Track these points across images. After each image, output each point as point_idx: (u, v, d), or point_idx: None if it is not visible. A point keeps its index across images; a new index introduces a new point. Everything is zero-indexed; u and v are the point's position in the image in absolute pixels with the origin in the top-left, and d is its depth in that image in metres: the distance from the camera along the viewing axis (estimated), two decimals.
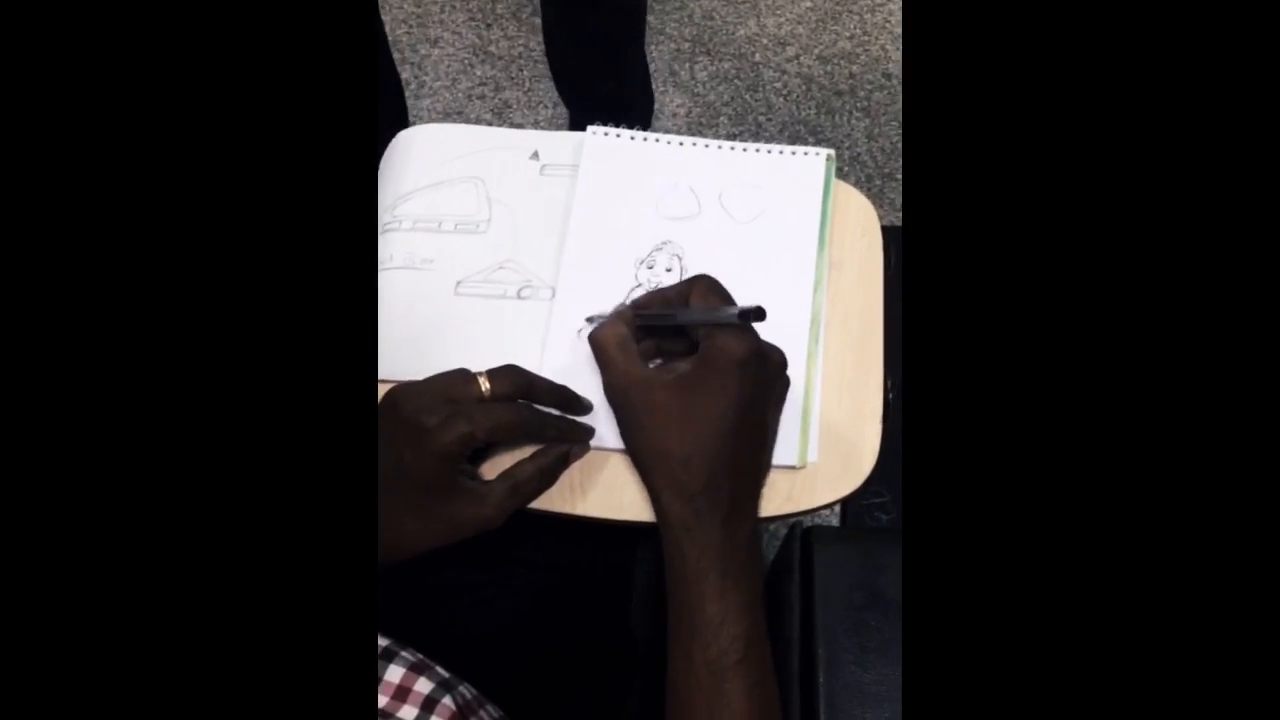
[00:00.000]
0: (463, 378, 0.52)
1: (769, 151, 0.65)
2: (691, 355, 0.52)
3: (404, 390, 0.51)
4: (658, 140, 0.66)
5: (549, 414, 0.55)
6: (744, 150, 0.66)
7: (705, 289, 0.53)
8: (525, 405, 0.54)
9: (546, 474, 0.54)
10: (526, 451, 0.54)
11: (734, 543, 0.50)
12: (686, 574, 0.49)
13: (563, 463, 0.54)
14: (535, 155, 0.67)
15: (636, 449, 0.54)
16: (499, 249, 0.63)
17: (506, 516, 0.52)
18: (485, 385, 0.52)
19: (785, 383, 0.56)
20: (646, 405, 0.52)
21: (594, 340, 0.56)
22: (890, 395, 0.59)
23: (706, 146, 0.66)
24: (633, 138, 0.66)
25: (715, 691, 0.48)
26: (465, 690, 0.50)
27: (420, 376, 0.52)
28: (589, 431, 0.56)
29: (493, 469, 0.54)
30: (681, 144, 0.66)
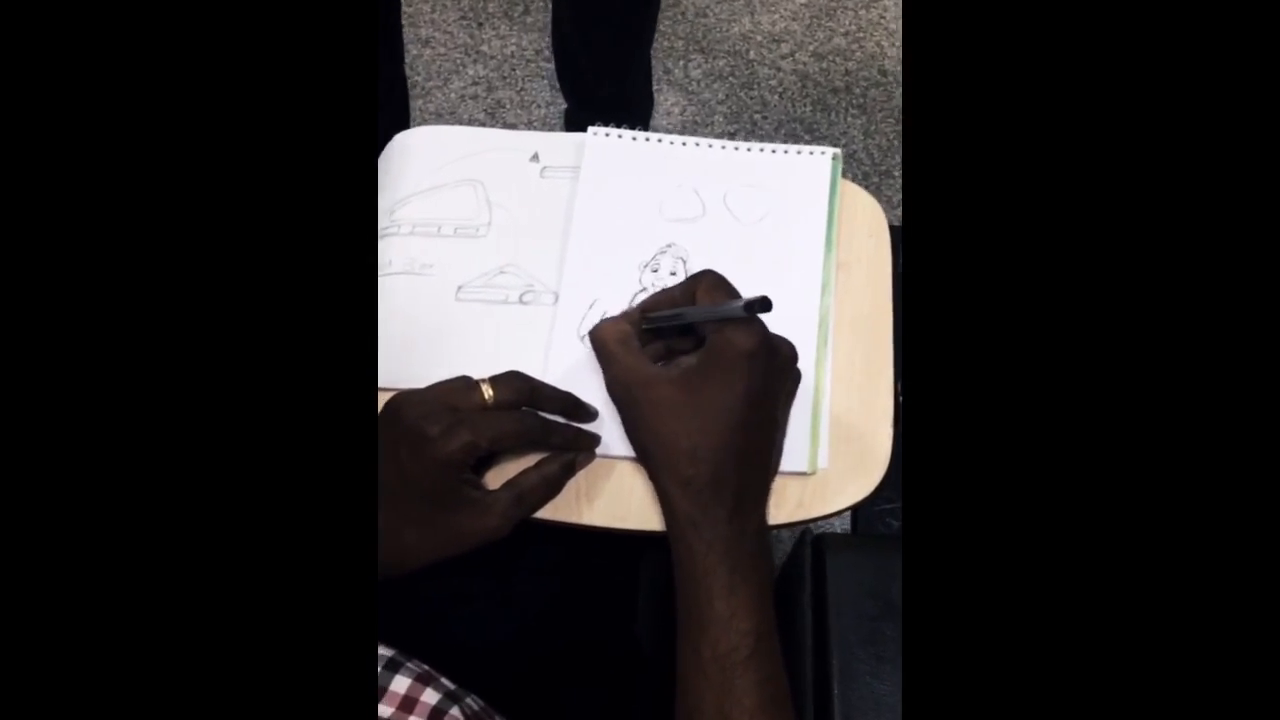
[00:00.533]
0: (465, 385, 0.51)
1: (774, 151, 0.64)
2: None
3: (405, 399, 0.50)
4: (660, 140, 0.65)
5: (553, 421, 0.54)
6: (748, 150, 0.65)
7: (710, 285, 0.52)
8: (529, 413, 0.53)
9: (552, 482, 0.53)
10: (531, 460, 0.53)
11: (742, 537, 0.49)
12: (694, 570, 0.49)
13: (568, 471, 0.54)
14: (535, 157, 0.66)
15: (641, 444, 0.53)
16: (500, 253, 0.62)
17: (512, 526, 0.51)
18: (488, 393, 0.51)
19: (796, 376, 0.55)
20: (650, 400, 0.51)
21: (594, 337, 0.55)
22: (901, 398, 0.58)
23: (710, 147, 0.65)
24: (634, 138, 0.65)
25: (725, 687, 0.47)
26: (473, 701, 0.49)
27: (421, 384, 0.51)
28: (594, 439, 0.55)
29: (497, 478, 0.53)
30: (684, 144, 0.65)
